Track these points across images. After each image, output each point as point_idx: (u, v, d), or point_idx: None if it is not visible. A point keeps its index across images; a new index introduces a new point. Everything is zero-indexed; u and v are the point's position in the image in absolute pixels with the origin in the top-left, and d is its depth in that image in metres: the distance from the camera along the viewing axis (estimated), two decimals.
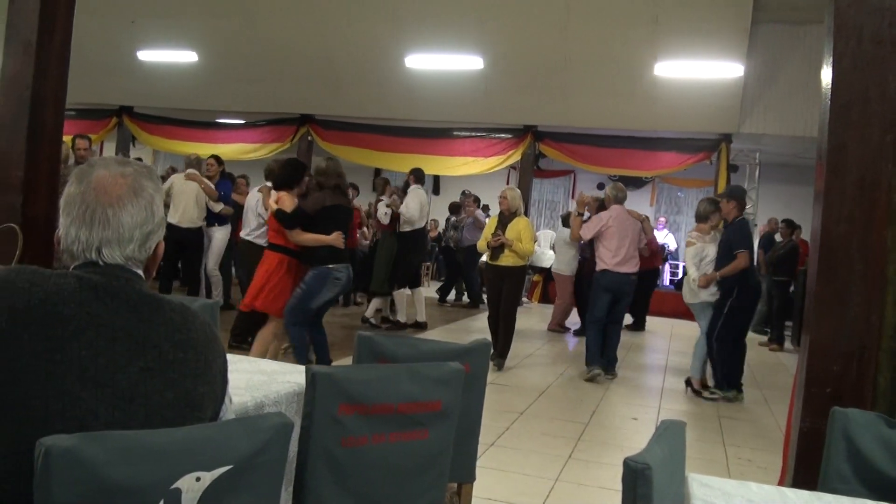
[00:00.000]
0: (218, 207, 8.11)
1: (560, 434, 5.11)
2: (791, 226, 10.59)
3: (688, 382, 6.90)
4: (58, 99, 3.60)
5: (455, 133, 11.38)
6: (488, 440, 4.67)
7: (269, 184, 6.81)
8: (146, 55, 11.78)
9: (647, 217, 7.98)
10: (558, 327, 10.16)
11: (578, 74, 9.97)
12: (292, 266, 5.45)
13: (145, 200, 1.45)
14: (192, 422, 1.38)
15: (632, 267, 6.99)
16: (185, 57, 11.65)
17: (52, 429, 1.19)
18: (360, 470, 1.99)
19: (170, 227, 6.38)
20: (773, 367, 8.91)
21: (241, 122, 12.70)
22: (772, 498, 1.71)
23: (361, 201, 11.61)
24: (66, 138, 7.08)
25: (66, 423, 1.23)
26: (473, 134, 11.28)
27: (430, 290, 12.25)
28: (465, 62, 10.45)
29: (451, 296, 12.39)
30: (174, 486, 1.23)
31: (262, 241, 6.73)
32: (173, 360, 1.39)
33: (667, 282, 14.80)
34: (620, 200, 7.19)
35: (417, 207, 8.60)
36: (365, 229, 10.97)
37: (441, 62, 10.64)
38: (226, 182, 8.50)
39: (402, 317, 8.82)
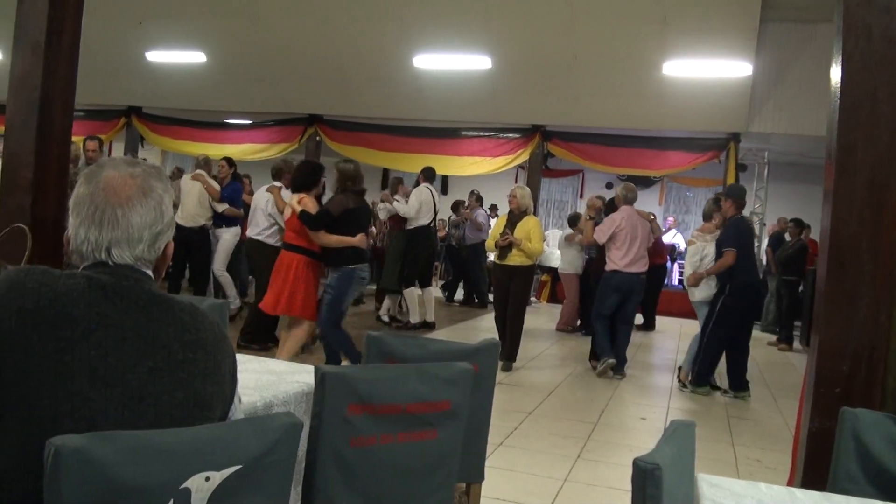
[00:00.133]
0: (221, 207, 8.09)
1: (569, 434, 5.10)
2: (800, 225, 10.55)
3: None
4: (66, 100, 3.60)
5: (463, 133, 11.34)
6: (497, 440, 4.67)
7: (278, 184, 6.81)
8: (154, 56, 11.80)
9: (655, 215, 7.99)
10: (567, 327, 10.16)
11: (587, 74, 9.95)
12: (313, 266, 5.55)
13: (154, 201, 1.45)
14: (201, 422, 1.38)
15: (641, 266, 7.06)
16: (194, 57, 11.66)
17: (62, 429, 1.19)
18: (368, 470, 1.99)
19: (176, 226, 6.35)
20: (782, 366, 8.88)
21: (250, 122, 12.69)
22: (781, 498, 1.70)
23: (366, 200, 11.61)
24: (77, 139, 7.12)
25: (76, 423, 1.24)
26: (481, 134, 11.23)
27: (437, 290, 12.22)
28: (473, 62, 10.43)
29: (459, 295, 12.38)
30: (184, 485, 1.23)
31: (272, 241, 6.73)
32: (183, 360, 1.39)
33: (675, 281, 14.76)
34: (631, 201, 7.21)
35: (416, 205, 8.65)
36: (372, 228, 11.00)
37: (449, 62, 10.61)
38: (236, 184, 8.45)
39: (414, 317, 8.84)
